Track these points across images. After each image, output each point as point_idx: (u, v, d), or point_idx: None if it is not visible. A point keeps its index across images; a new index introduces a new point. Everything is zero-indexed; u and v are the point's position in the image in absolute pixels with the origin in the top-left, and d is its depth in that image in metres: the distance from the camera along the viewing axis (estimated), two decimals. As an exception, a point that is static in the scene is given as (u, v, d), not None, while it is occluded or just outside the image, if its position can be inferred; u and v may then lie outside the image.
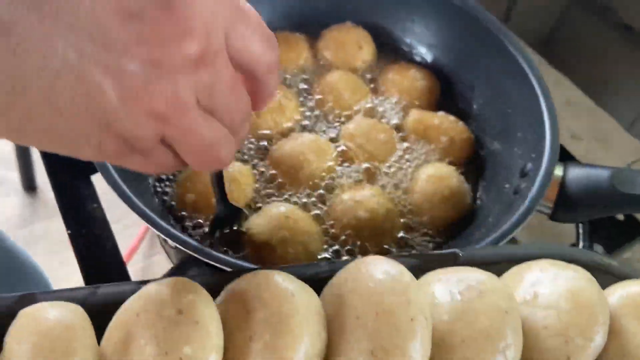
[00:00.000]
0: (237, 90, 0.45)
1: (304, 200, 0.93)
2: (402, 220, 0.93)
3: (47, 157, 1.00)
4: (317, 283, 0.55)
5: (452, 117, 1.06)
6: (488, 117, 1.06)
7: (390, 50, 1.20)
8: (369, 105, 1.08)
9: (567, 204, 0.84)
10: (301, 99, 1.08)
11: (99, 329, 0.52)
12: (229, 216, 0.85)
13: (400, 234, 0.92)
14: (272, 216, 0.87)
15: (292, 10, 1.20)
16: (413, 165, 1.00)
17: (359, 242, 0.88)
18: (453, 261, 0.59)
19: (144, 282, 0.54)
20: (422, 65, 1.17)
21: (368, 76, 1.15)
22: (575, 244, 1.01)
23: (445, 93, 1.14)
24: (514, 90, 0.99)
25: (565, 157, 1.11)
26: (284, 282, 0.51)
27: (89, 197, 0.97)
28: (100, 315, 0.52)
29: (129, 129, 0.40)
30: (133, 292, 0.52)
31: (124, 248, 2.20)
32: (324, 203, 0.93)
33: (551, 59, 1.75)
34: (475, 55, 1.08)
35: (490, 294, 0.52)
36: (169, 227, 0.73)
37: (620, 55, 1.81)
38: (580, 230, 0.99)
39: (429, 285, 0.55)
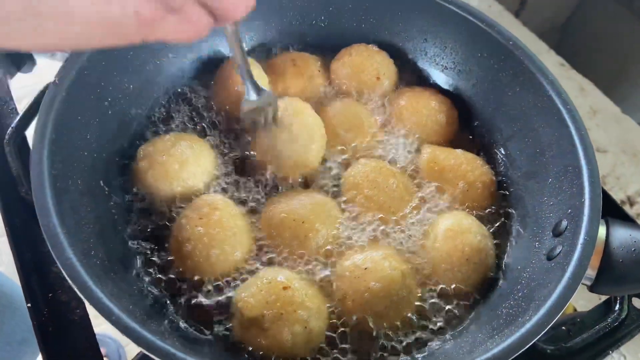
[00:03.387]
0: None
1: (305, 265, 0.80)
2: (419, 283, 0.81)
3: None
4: None
5: (471, 155, 0.93)
6: (513, 154, 0.93)
7: (403, 73, 1.06)
8: (377, 141, 0.94)
9: (612, 275, 0.72)
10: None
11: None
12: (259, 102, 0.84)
13: (420, 300, 0.80)
14: (266, 285, 0.74)
15: (304, 30, 1.07)
16: (429, 215, 0.87)
17: (371, 318, 0.76)
18: None
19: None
20: (439, 90, 1.03)
21: (379, 102, 1.01)
22: (612, 298, 0.89)
23: (464, 123, 1.01)
24: (545, 128, 0.86)
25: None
26: None
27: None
28: None
29: None
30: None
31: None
32: (328, 266, 0.81)
33: (566, 50, 1.61)
34: (499, 83, 0.95)
35: None
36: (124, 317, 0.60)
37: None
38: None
39: None
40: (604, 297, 0.96)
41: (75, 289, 0.60)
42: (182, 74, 0.99)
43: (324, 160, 0.91)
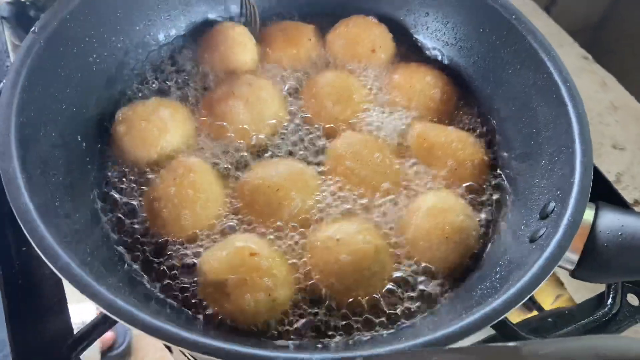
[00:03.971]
0: None
1: (276, 233, 0.78)
2: (396, 260, 0.77)
3: None
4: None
5: (463, 133, 0.89)
6: (508, 135, 0.89)
7: (404, 47, 1.02)
8: (366, 114, 0.91)
9: (595, 260, 0.67)
10: (291, 107, 0.92)
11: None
12: None
13: (393, 277, 0.76)
14: (233, 250, 0.72)
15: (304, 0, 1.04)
16: (413, 192, 0.83)
17: (339, 291, 0.73)
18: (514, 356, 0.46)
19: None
20: (439, 66, 0.99)
21: (373, 76, 0.97)
22: (605, 292, 0.84)
23: (463, 101, 0.97)
24: (543, 109, 0.81)
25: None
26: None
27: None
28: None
29: None
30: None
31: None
32: (301, 235, 0.78)
33: (597, 49, 1.54)
34: (500, 60, 0.90)
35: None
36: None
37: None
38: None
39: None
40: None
41: (25, 232, 0.59)
42: (174, 37, 0.98)
43: (309, 131, 0.89)
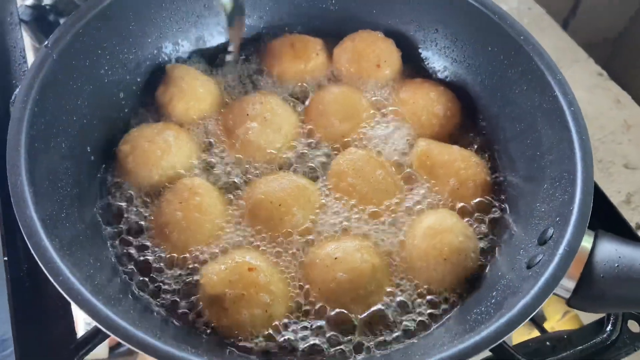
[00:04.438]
0: None
1: (276, 249, 0.79)
2: (392, 279, 0.78)
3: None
4: None
5: (466, 153, 0.89)
6: (512, 156, 0.88)
7: (412, 63, 1.02)
8: (370, 130, 0.92)
9: (591, 290, 0.67)
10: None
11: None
12: None
13: (389, 297, 0.77)
14: (232, 265, 0.73)
15: (314, 13, 1.04)
16: (413, 210, 0.84)
17: (335, 310, 0.74)
18: None
19: None
20: (444, 83, 0.99)
21: (378, 91, 0.98)
22: (605, 317, 0.84)
23: (469, 119, 0.97)
24: (547, 132, 0.81)
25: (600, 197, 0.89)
26: None
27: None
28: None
29: None
30: None
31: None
32: (301, 251, 0.79)
33: (614, 65, 1.52)
34: (507, 80, 0.90)
35: None
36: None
37: None
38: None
39: None
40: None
41: (29, 245, 0.61)
42: (185, 52, 0.99)
43: (313, 146, 0.90)
